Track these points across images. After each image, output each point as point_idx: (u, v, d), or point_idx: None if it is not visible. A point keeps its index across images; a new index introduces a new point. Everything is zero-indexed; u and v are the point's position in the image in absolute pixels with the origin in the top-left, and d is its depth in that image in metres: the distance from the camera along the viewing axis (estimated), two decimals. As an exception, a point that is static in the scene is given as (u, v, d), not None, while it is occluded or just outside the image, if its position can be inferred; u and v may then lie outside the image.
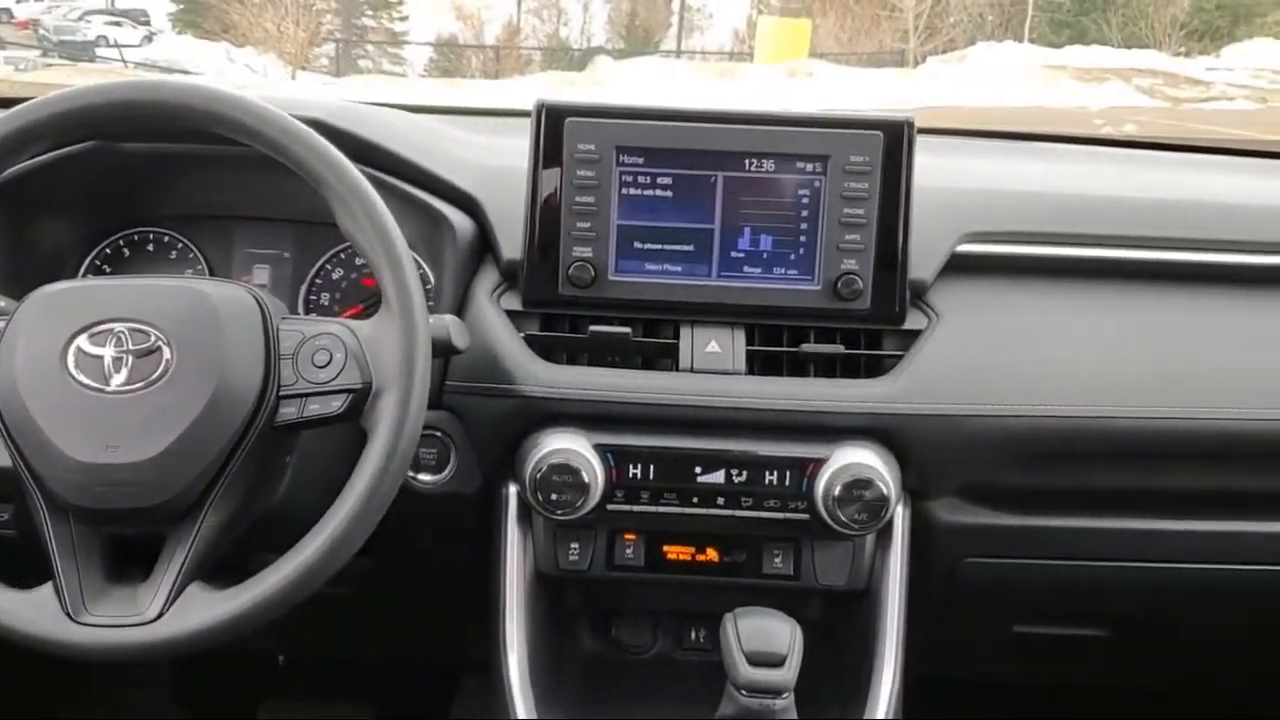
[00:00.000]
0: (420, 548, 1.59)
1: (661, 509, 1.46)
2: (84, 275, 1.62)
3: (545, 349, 1.48)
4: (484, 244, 1.53)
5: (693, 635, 1.68)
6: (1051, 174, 1.79)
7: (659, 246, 1.47)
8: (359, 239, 1.23)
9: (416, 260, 1.54)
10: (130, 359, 1.19)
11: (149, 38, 22.82)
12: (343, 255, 1.63)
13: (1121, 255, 1.58)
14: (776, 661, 1.28)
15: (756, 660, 1.28)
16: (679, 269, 1.47)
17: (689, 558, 1.53)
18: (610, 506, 1.45)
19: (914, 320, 1.50)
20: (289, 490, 1.37)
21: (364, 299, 1.62)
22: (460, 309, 1.49)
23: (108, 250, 1.64)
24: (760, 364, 1.49)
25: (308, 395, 1.21)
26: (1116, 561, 1.59)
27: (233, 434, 1.19)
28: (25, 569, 1.22)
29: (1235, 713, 2.27)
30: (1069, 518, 1.56)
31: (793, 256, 1.47)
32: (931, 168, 1.59)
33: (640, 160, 1.45)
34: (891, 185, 1.44)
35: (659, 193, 1.46)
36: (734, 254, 1.47)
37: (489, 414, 1.46)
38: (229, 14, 23.72)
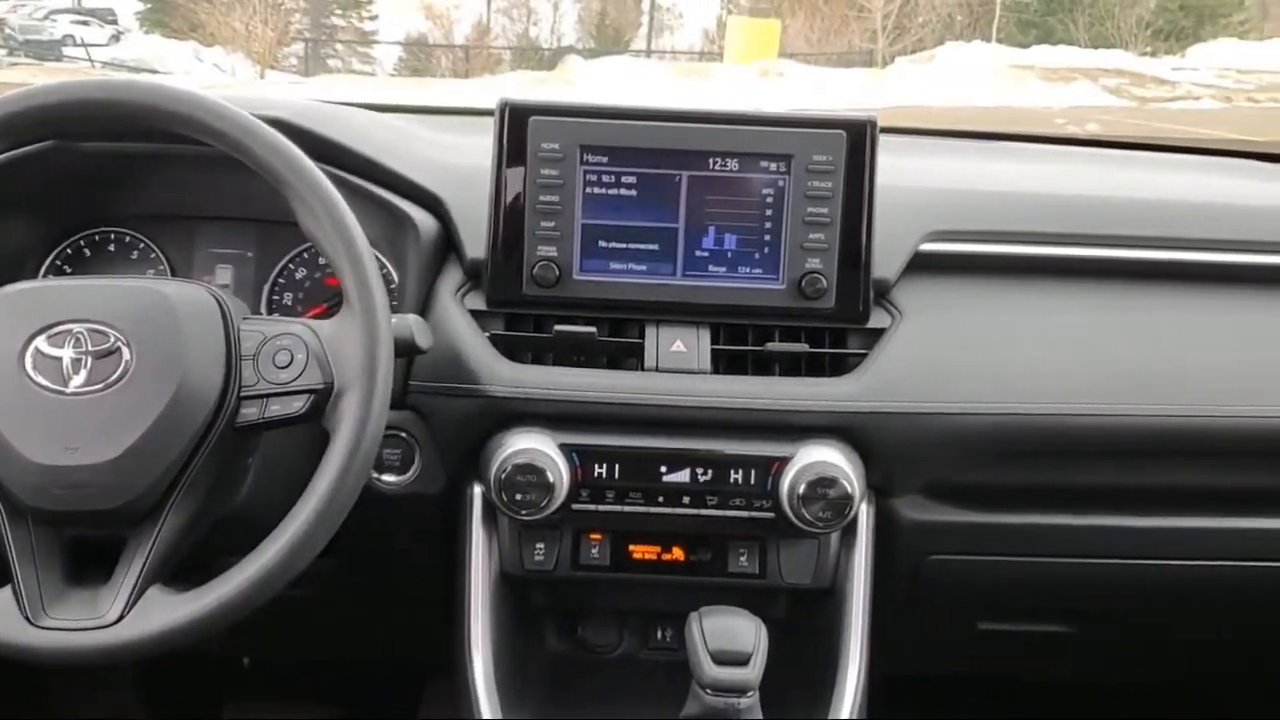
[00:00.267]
0: (385, 549, 1.59)
1: (627, 508, 1.46)
2: (44, 276, 1.60)
3: (510, 349, 1.47)
4: (448, 243, 1.52)
5: (659, 634, 1.68)
6: (1015, 173, 1.80)
7: (624, 246, 1.47)
8: (320, 238, 1.22)
9: (380, 259, 1.54)
10: (89, 360, 1.17)
11: (116, 37, 22.69)
12: (306, 255, 1.62)
13: (1084, 254, 1.59)
14: (741, 660, 1.28)
15: (721, 659, 1.28)
16: (644, 268, 1.47)
17: (655, 557, 1.53)
18: (575, 506, 1.45)
19: (878, 319, 1.50)
20: (251, 492, 1.36)
21: (328, 298, 1.61)
22: (424, 308, 1.49)
23: (68, 251, 1.62)
24: (725, 363, 1.49)
25: (269, 396, 1.21)
26: (1080, 558, 1.60)
27: (193, 435, 1.18)
28: None
29: (1199, 709, 2.28)
30: (1033, 515, 1.57)
31: (757, 255, 1.47)
32: (896, 167, 1.60)
33: (605, 159, 1.45)
34: (855, 184, 1.45)
35: (624, 192, 1.46)
36: (699, 253, 1.47)
37: (453, 414, 1.45)
38: (197, 13, 23.62)
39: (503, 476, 1.39)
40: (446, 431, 1.46)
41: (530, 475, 1.39)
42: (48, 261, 1.62)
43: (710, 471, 1.45)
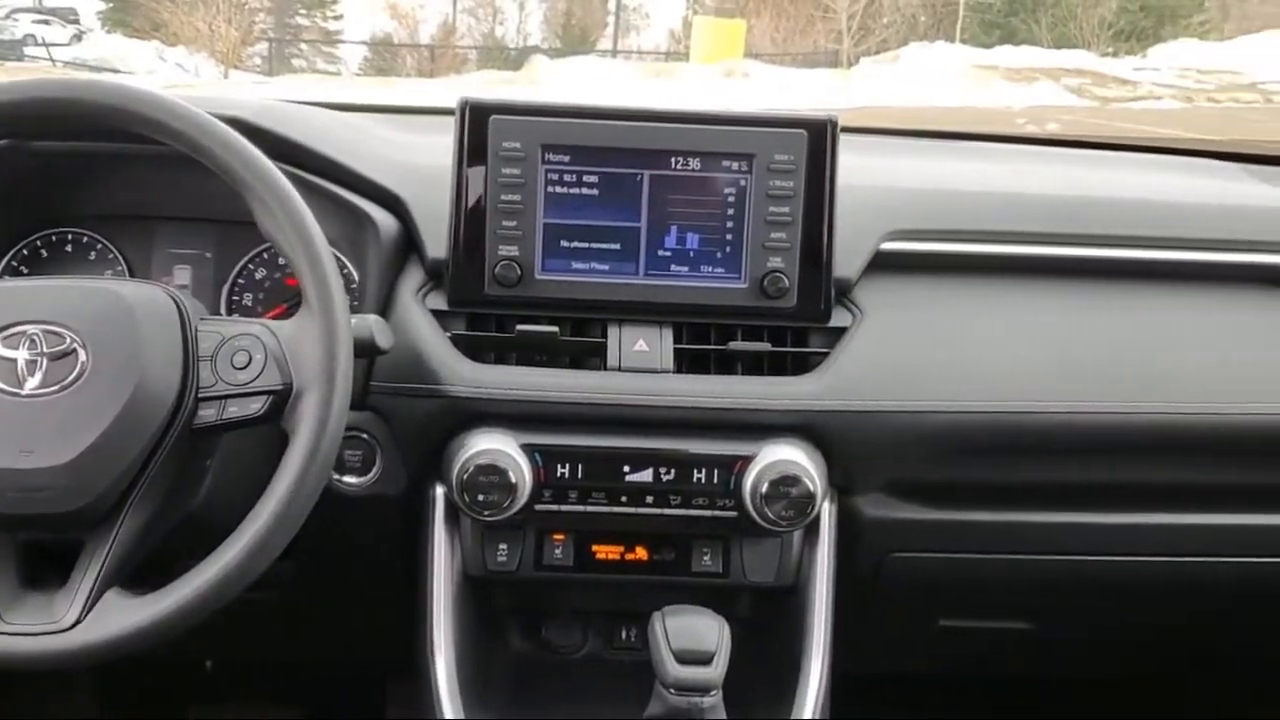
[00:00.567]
0: (346, 551, 1.58)
1: (590, 508, 1.46)
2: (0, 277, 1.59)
3: (471, 348, 1.47)
4: (409, 243, 1.52)
5: (623, 634, 1.68)
6: (976, 172, 1.81)
7: (586, 245, 1.47)
8: (279, 238, 1.21)
9: (340, 260, 1.54)
10: (45, 362, 1.16)
11: (78, 36, 22.47)
12: (265, 255, 1.61)
13: (1044, 252, 1.60)
14: (704, 659, 1.28)
15: (684, 658, 1.28)
16: (606, 267, 1.47)
17: (618, 557, 1.53)
18: (538, 506, 1.45)
19: (839, 318, 1.51)
20: (210, 494, 1.35)
21: (288, 299, 1.60)
22: (385, 309, 1.48)
23: (25, 251, 1.61)
24: (688, 362, 1.49)
25: (227, 397, 1.20)
26: (1041, 555, 1.61)
27: (151, 437, 1.17)
28: None
29: (1160, 705, 2.31)
30: (993, 512, 1.58)
31: (719, 255, 1.47)
32: (858, 166, 1.60)
33: (566, 158, 1.45)
34: (816, 183, 1.45)
35: (585, 191, 1.46)
36: (661, 252, 1.47)
37: (415, 415, 1.45)
38: (159, 12, 23.42)
39: (465, 477, 1.39)
40: (408, 432, 1.46)
41: (492, 476, 1.39)
42: (3, 262, 1.60)
43: (673, 471, 1.45)
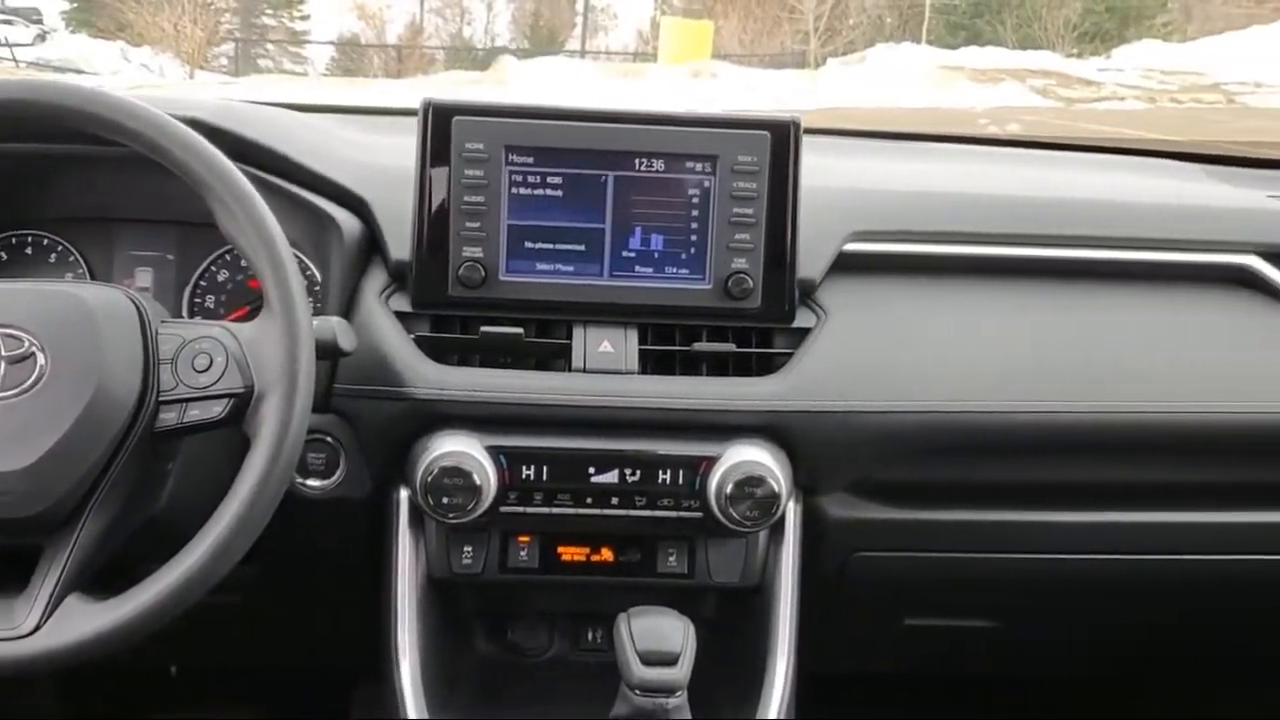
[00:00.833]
0: (310, 554, 1.57)
1: (555, 510, 1.46)
2: None
3: (435, 350, 1.46)
4: (372, 244, 1.51)
5: (589, 636, 1.68)
6: (939, 173, 1.82)
7: (550, 246, 1.46)
8: (239, 240, 1.20)
9: (303, 261, 1.53)
10: (3, 365, 1.15)
11: (42, 36, 22.26)
12: (228, 257, 1.60)
13: (1006, 253, 1.61)
14: (669, 660, 1.29)
15: (650, 659, 1.29)
16: (570, 269, 1.47)
17: (584, 559, 1.53)
18: (504, 509, 1.44)
19: (803, 319, 1.51)
20: (172, 498, 1.34)
21: (250, 301, 1.59)
22: (348, 310, 1.47)
23: None
24: (653, 363, 1.49)
25: (188, 400, 1.19)
26: (1004, 554, 1.62)
27: (111, 441, 1.16)
28: None
29: (1125, 705, 2.33)
30: (957, 511, 1.59)
31: (684, 256, 1.47)
32: (822, 168, 1.61)
33: (530, 160, 1.44)
34: (779, 185, 1.45)
35: (549, 192, 1.45)
36: (625, 254, 1.47)
37: (378, 417, 1.44)
38: (124, 13, 23.26)
39: (429, 480, 1.38)
40: (371, 435, 1.45)
41: (457, 478, 1.38)
42: None
43: (638, 472, 1.45)
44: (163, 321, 1.24)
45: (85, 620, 1.13)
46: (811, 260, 1.51)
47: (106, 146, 1.22)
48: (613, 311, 1.48)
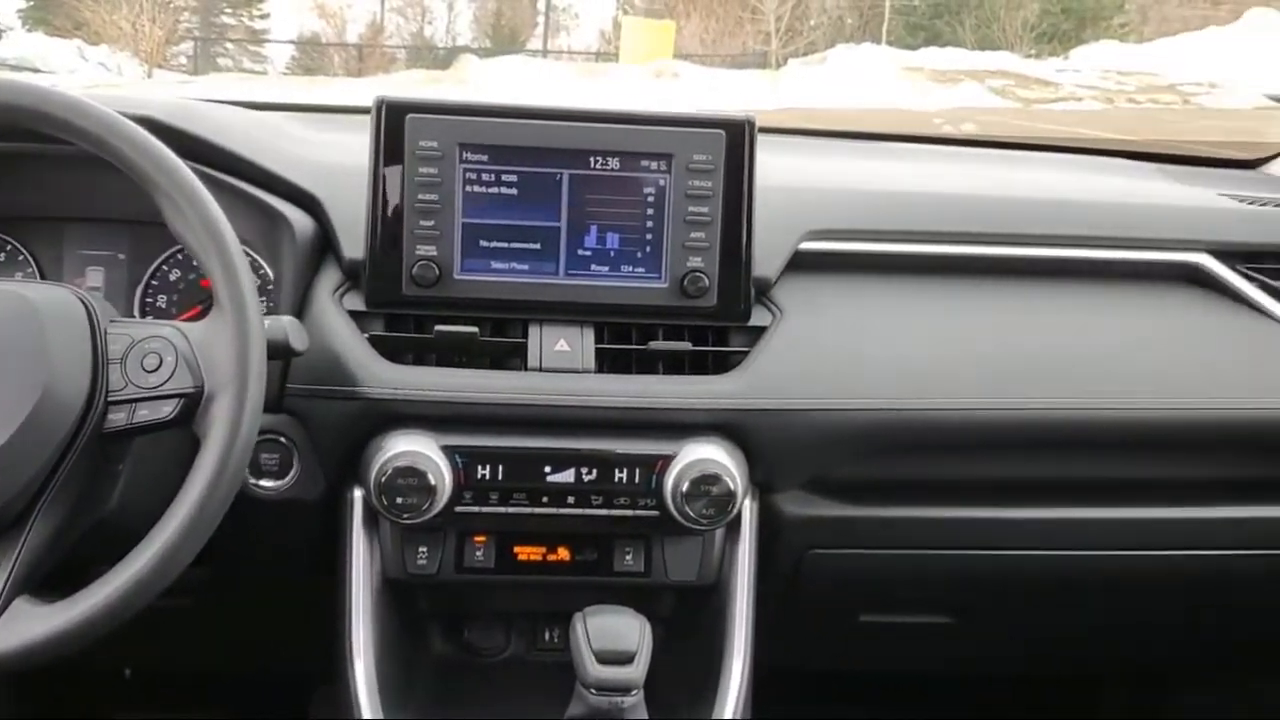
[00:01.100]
0: (263, 556, 1.55)
1: (511, 510, 1.45)
2: None
3: (390, 350, 1.45)
4: (325, 243, 1.50)
5: (546, 636, 1.67)
6: (896, 172, 1.83)
7: (505, 245, 1.46)
8: (189, 239, 1.19)
9: (255, 260, 1.52)
10: None
11: (-3, 34, 22.04)
12: (180, 256, 1.58)
13: (961, 251, 1.62)
14: (625, 659, 1.29)
15: (605, 658, 1.28)
16: (526, 267, 1.46)
17: (540, 558, 1.52)
18: (459, 508, 1.43)
19: (759, 317, 1.51)
20: (122, 499, 1.32)
21: (202, 300, 1.57)
22: (300, 310, 1.46)
23: None
24: (609, 362, 1.49)
25: (137, 401, 1.18)
26: (958, 550, 1.63)
27: (59, 442, 1.15)
28: None
29: (1080, 704, 2.35)
30: (912, 508, 1.59)
31: (640, 254, 1.47)
32: (779, 167, 1.62)
33: (484, 158, 1.44)
34: (734, 183, 1.45)
35: (504, 190, 1.45)
36: (581, 252, 1.47)
37: (332, 417, 1.43)
38: (81, 11, 23.02)
39: (383, 480, 1.38)
40: (325, 435, 1.44)
41: (411, 478, 1.38)
42: None
43: (594, 471, 1.44)
44: (112, 321, 1.23)
45: (34, 623, 1.12)
46: (767, 259, 1.52)
47: (57, 145, 1.21)
48: (568, 310, 1.48)
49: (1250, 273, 1.66)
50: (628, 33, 24.41)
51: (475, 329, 1.45)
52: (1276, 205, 1.77)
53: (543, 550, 1.52)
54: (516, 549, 1.52)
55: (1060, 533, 1.63)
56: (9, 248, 1.59)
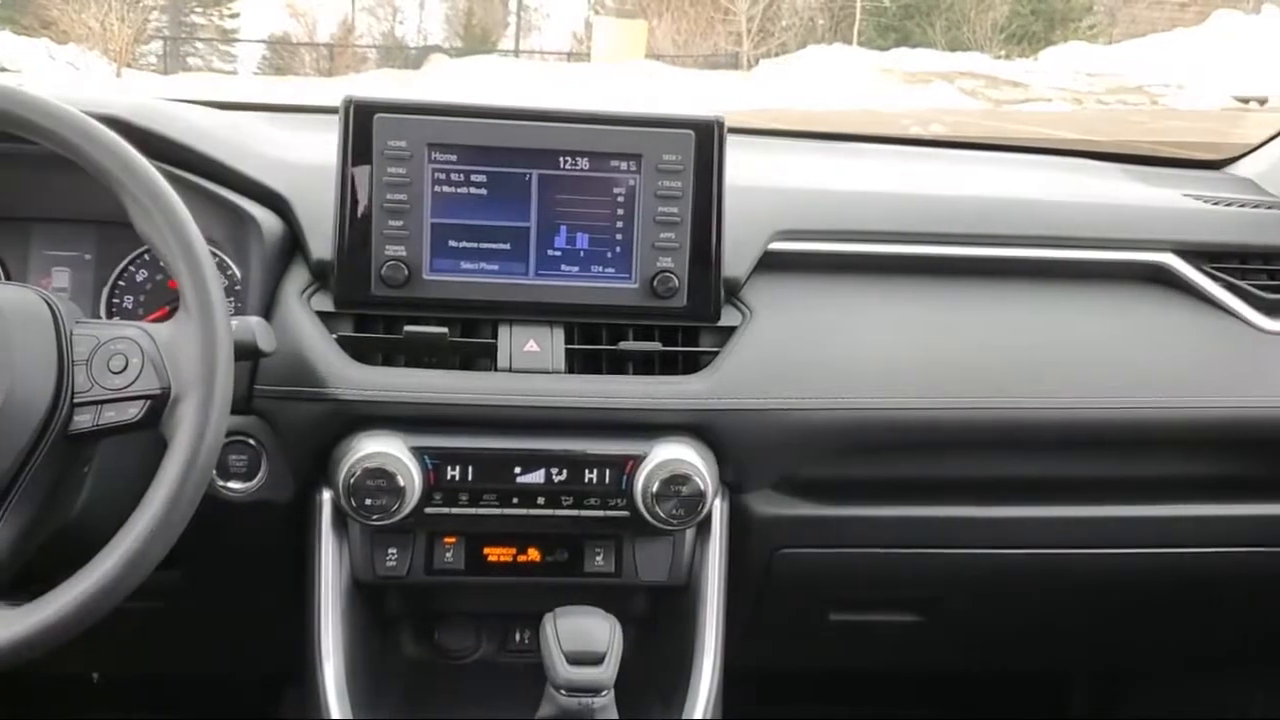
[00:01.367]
0: (232, 558, 1.55)
1: (481, 511, 1.45)
2: None
3: (358, 350, 1.45)
4: (293, 243, 1.50)
5: (517, 637, 1.67)
6: (865, 173, 1.84)
7: (475, 245, 1.45)
8: (155, 240, 1.18)
9: (223, 261, 1.51)
10: None
11: (-39, 34, 21.82)
12: (147, 257, 1.57)
13: (929, 251, 1.63)
14: (595, 660, 1.29)
15: (576, 659, 1.29)
16: (495, 268, 1.46)
17: (510, 559, 1.52)
18: (429, 510, 1.43)
19: (729, 317, 1.52)
20: (88, 502, 1.32)
21: (169, 301, 1.56)
22: (268, 310, 1.45)
23: None
24: (579, 362, 1.49)
25: (103, 402, 1.17)
26: (927, 549, 1.63)
27: (24, 445, 1.14)
28: None
29: (1044, 698, 2.36)
30: (880, 507, 1.60)
31: (610, 255, 1.47)
32: (750, 167, 1.62)
33: (453, 158, 1.43)
34: (704, 183, 1.46)
35: (473, 190, 1.44)
36: (551, 252, 1.46)
37: (300, 418, 1.42)
38: (49, 10, 22.80)
39: (351, 481, 1.37)
40: (293, 436, 1.43)
41: (380, 479, 1.37)
42: None
43: (565, 471, 1.44)
44: (78, 322, 1.22)
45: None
46: (737, 259, 1.52)
47: (23, 144, 1.20)
48: (538, 310, 1.48)
49: (1215, 272, 1.68)
50: (600, 33, 24.42)
51: (445, 330, 1.45)
52: (1241, 206, 1.79)
53: (513, 551, 1.52)
54: (486, 550, 1.51)
55: (1027, 531, 1.64)
56: None
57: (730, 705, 1.53)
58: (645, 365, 1.50)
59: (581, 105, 1.48)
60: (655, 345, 1.49)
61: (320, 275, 1.48)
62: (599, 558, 1.53)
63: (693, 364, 1.50)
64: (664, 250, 1.47)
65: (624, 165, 1.45)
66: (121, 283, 1.58)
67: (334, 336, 1.44)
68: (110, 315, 1.58)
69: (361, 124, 1.42)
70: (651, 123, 1.46)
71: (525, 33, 32.48)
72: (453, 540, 1.50)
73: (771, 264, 1.56)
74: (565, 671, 1.28)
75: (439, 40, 31.79)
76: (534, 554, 1.52)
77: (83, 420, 1.17)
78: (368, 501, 1.37)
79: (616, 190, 1.46)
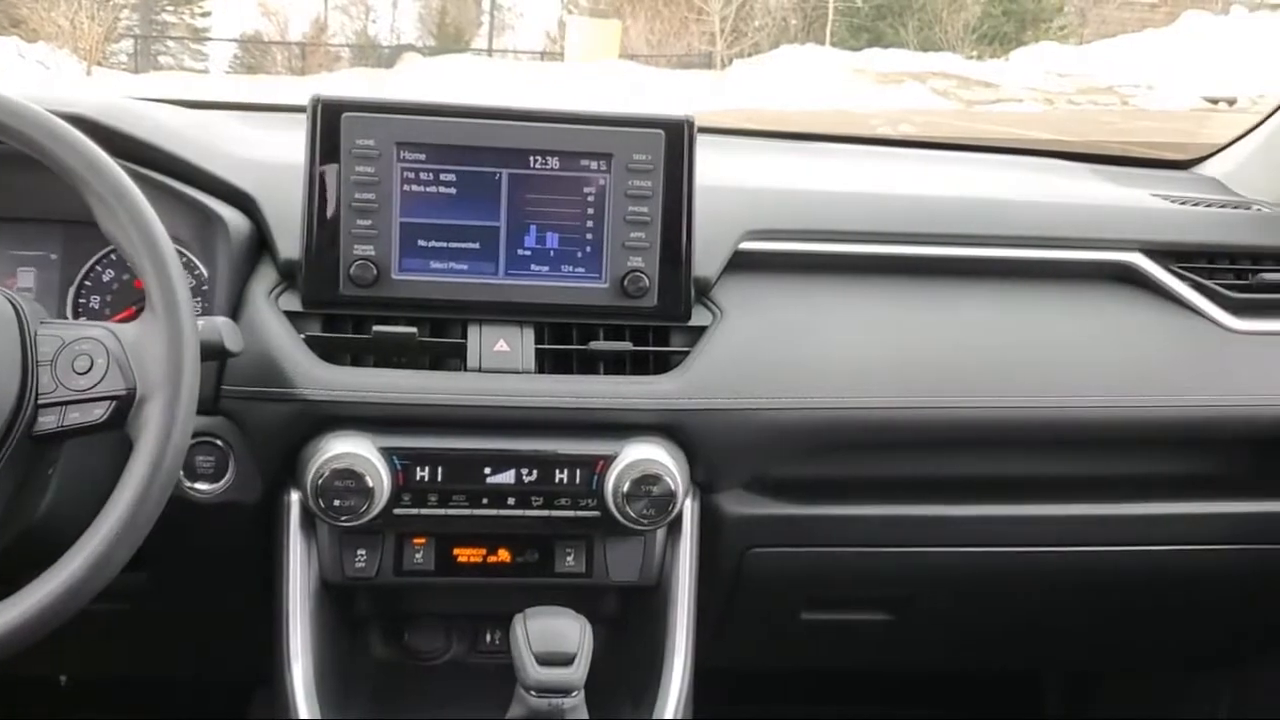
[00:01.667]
0: (201, 560, 1.53)
1: (451, 512, 1.44)
2: None
3: (327, 350, 1.44)
4: (261, 242, 1.49)
5: (488, 638, 1.66)
6: (836, 173, 1.84)
7: (444, 244, 1.45)
8: (120, 239, 1.17)
9: (191, 260, 1.50)
10: None
11: (-71, 33, 21.63)
12: (113, 257, 1.56)
13: (898, 251, 1.63)
14: (565, 661, 1.28)
15: (546, 660, 1.28)
16: (465, 267, 1.46)
17: (480, 560, 1.51)
18: (398, 511, 1.42)
19: (700, 317, 1.52)
20: (54, 504, 1.30)
21: (136, 302, 1.55)
22: (236, 310, 1.44)
23: None
24: (550, 362, 1.48)
25: (68, 403, 1.16)
26: (896, 547, 1.64)
27: None
28: None
29: (1015, 697, 2.37)
30: (852, 506, 1.60)
31: (580, 254, 1.47)
32: (720, 167, 1.62)
33: (422, 157, 1.43)
34: (674, 183, 1.45)
35: (443, 190, 1.44)
36: (521, 252, 1.46)
37: (268, 419, 1.41)
38: (18, 8, 22.63)
39: (319, 482, 1.36)
40: (261, 437, 1.42)
41: (348, 480, 1.36)
42: None
43: (535, 472, 1.44)
44: (42, 322, 1.21)
45: None
46: (708, 259, 1.52)
47: None
48: (508, 310, 1.47)
49: (1182, 272, 1.69)
50: (574, 33, 24.42)
51: (414, 329, 1.44)
52: (1208, 205, 1.80)
53: (483, 552, 1.51)
54: (456, 551, 1.50)
55: (996, 529, 1.64)
56: None
57: (701, 705, 1.53)
58: (616, 365, 1.49)
59: (552, 104, 1.48)
60: (626, 345, 1.49)
61: (288, 275, 1.47)
62: (569, 558, 1.52)
63: (663, 364, 1.50)
64: (634, 250, 1.46)
65: (594, 165, 1.45)
66: (88, 283, 1.56)
67: (302, 336, 1.43)
68: (76, 315, 1.56)
69: (329, 123, 1.41)
70: (621, 122, 1.46)
71: (499, 32, 32.45)
72: (422, 541, 1.50)
73: (742, 264, 1.56)
74: (535, 672, 1.28)
75: (412, 39, 31.74)
76: (504, 555, 1.51)
77: (47, 421, 1.16)
78: (336, 502, 1.36)
79: (586, 190, 1.45)
